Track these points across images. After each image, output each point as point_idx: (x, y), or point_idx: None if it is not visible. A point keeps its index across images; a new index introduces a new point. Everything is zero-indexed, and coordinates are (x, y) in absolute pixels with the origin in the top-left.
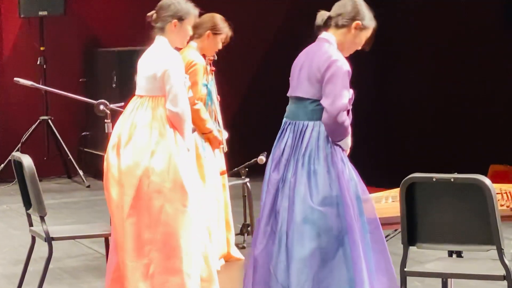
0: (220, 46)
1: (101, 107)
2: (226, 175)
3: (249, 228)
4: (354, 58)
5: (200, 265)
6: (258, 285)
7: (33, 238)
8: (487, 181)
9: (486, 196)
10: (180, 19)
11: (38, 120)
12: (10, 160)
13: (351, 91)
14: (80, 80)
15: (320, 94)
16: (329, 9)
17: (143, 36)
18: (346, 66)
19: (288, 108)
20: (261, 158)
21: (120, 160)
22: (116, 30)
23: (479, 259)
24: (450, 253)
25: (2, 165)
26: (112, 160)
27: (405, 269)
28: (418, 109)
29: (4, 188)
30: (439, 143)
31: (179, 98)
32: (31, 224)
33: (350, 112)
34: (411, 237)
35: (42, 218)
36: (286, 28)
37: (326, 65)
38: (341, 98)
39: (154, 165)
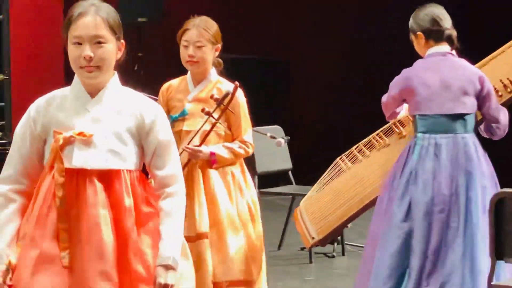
0: (184, 52)
1: None
2: None
3: None
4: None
5: None
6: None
7: None
8: None
9: None
10: None
11: None
12: None
13: None
14: None
15: (473, 107)
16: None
17: None
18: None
19: (424, 124)
20: (279, 141)
21: None
22: None
23: None
24: None
25: None
26: None
27: (492, 283)
28: None
29: None
30: None
31: None
32: None
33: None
34: (498, 251)
35: None
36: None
37: (480, 79)
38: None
39: None
